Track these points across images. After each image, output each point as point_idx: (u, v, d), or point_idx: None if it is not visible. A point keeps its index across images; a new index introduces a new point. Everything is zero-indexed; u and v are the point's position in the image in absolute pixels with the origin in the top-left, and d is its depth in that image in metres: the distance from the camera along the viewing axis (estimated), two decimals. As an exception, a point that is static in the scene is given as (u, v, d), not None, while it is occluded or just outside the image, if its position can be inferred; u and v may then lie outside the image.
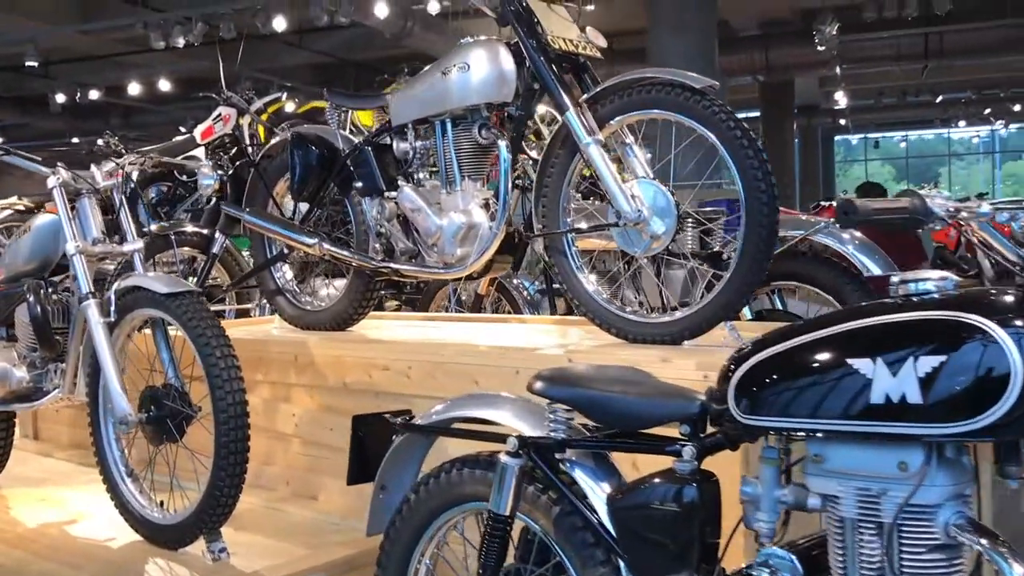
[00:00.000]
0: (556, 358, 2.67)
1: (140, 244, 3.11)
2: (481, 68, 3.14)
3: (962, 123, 25.65)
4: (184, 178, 6.20)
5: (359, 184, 3.53)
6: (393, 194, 3.49)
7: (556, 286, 4.71)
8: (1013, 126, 25.32)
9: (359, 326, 3.80)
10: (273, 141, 3.96)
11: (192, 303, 2.77)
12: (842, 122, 25.69)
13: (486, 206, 3.26)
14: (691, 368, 2.38)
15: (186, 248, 4.82)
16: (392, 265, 3.47)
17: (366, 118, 12.48)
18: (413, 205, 3.37)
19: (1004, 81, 18.88)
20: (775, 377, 1.61)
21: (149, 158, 3.40)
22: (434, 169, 3.55)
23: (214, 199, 4.87)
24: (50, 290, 3.27)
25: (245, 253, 5.47)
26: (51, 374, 3.27)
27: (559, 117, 3.01)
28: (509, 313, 4.65)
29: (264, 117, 9.81)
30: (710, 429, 1.80)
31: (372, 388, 3.10)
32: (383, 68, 15.36)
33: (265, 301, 5.64)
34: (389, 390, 3.05)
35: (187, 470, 2.93)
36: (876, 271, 3.61)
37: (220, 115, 9.69)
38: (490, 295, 4.72)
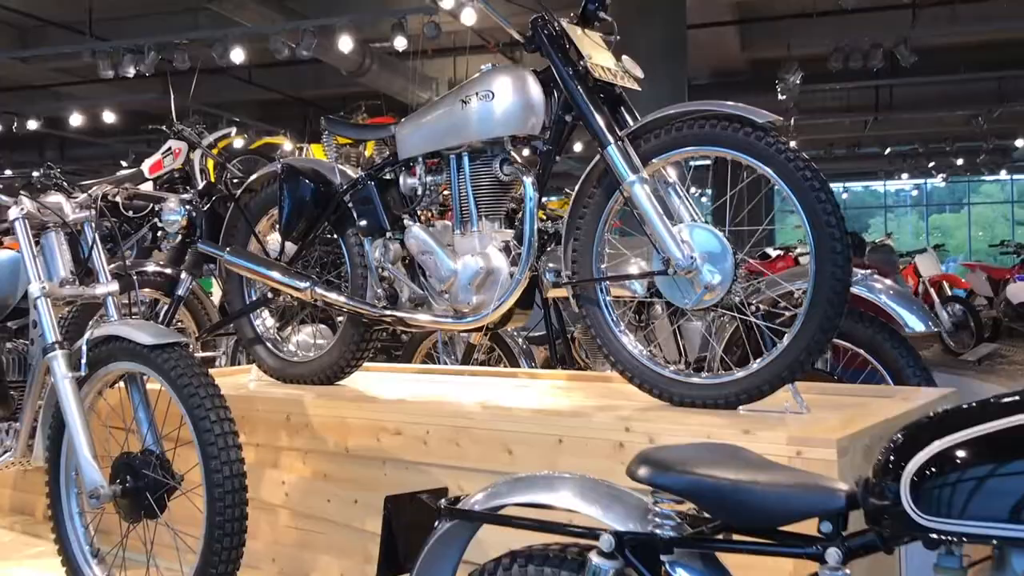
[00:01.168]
0: (609, 426, 2.33)
1: (115, 287, 2.71)
2: (506, 97, 2.83)
3: (904, 175, 26.12)
4: (130, 213, 5.74)
5: (362, 222, 3.17)
6: (397, 234, 3.14)
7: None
8: (941, 180, 25.81)
9: (349, 380, 3.42)
10: (257, 174, 3.58)
11: (181, 357, 2.38)
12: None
13: (506, 249, 2.93)
14: (781, 442, 2.06)
15: (146, 289, 4.39)
16: (396, 313, 3.11)
17: (319, 153, 12.07)
18: (423, 247, 3.02)
19: (948, 135, 19.24)
20: (974, 471, 1.30)
21: (124, 189, 3.00)
22: (444, 207, 3.22)
23: (179, 236, 4.44)
24: (3, 337, 2.84)
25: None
26: (1, 434, 2.82)
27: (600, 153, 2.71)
28: (505, 365, 4.30)
29: (215, 152, 9.39)
30: (852, 526, 1.48)
31: (380, 455, 2.72)
32: (335, 106, 15.05)
33: (228, 348, 5.22)
34: (401, 457, 2.68)
35: (166, 546, 2.51)
36: (918, 327, 3.36)
37: (170, 149, 9.22)
38: (482, 345, 4.37)
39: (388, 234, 3.16)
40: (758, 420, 2.33)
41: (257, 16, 10.33)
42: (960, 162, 21.57)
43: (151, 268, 4.40)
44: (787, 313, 2.93)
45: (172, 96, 10.09)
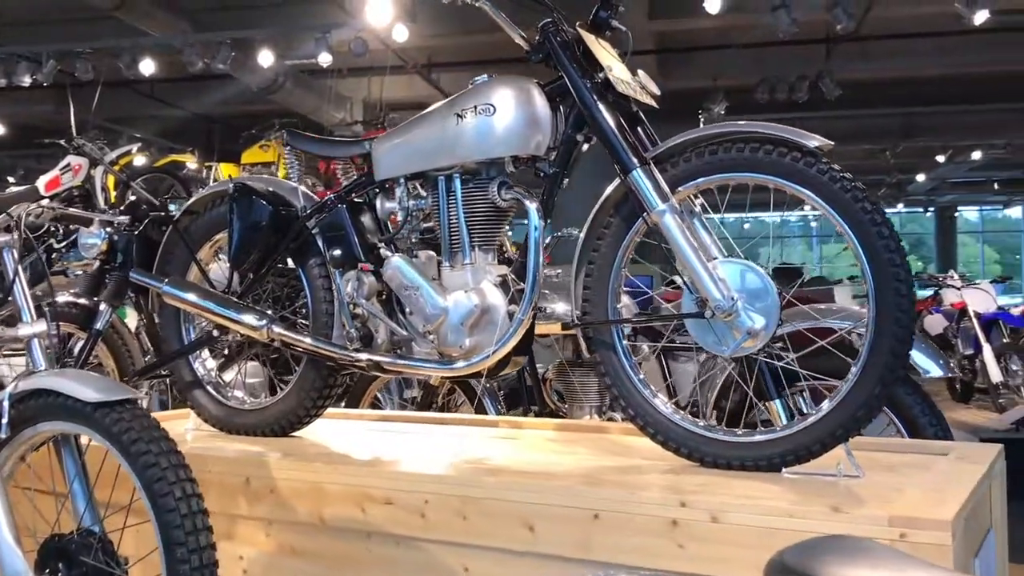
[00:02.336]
0: (659, 499, 1.97)
1: (43, 327, 2.24)
2: (508, 112, 2.47)
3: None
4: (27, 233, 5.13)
5: (334, 252, 2.76)
6: (368, 266, 2.74)
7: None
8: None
9: (305, 432, 2.99)
10: (200, 193, 3.13)
11: (135, 417, 1.93)
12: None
13: (503, 285, 2.56)
14: (881, 522, 1.74)
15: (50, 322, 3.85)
16: (372, 357, 2.70)
17: (227, 169, 11.47)
18: (407, 281, 2.63)
19: (850, 168, 19.61)
20: None
21: (49, 209, 2.52)
22: (426, 236, 2.84)
23: (97, 262, 3.91)
24: None
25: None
26: None
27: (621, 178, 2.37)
28: (474, 412, 3.90)
29: (116, 169, 8.76)
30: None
31: (365, 527, 2.30)
32: (242, 124, 14.43)
33: (153, 390, 4.69)
34: (390, 531, 2.26)
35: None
36: (935, 371, 3.12)
37: (69, 165, 8.52)
38: (443, 387, 3.97)
39: (361, 265, 2.76)
40: (825, 490, 2.01)
41: (165, 27, 9.71)
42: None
43: (64, 299, 3.87)
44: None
45: (72, 108, 9.41)
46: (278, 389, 3.18)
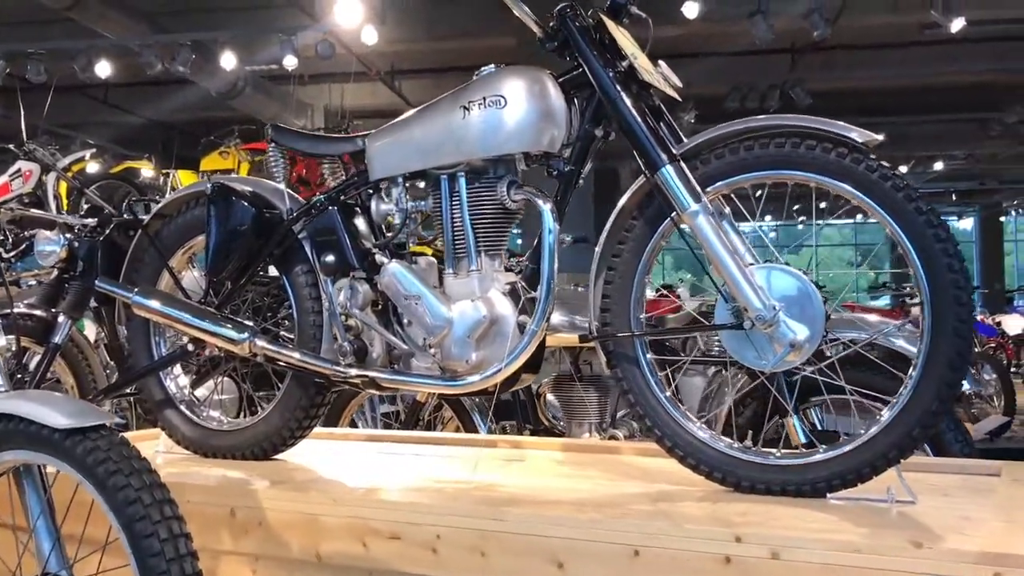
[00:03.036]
0: (710, 533, 1.75)
1: (1, 342, 1.97)
2: (520, 104, 2.25)
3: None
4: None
5: (326, 258, 2.52)
6: (367, 273, 2.51)
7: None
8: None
9: (288, 455, 2.74)
10: (173, 195, 2.87)
11: (112, 445, 1.68)
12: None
13: (513, 294, 2.34)
14: (967, 559, 1.54)
15: (10, 336, 3.55)
16: (367, 373, 2.46)
17: (187, 180, 11.11)
18: (406, 289, 2.39)
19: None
20: None
21: (7, 211, 2.25)
22: (423, 240, 2.62)
23: (56, 271, 3.61)
24: None
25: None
26: None
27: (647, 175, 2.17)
28: (459, 430, 3.66)
29: (69, 175, 8.40)
30: None
31: (367, 564, 2.06)
32: (199, 131, 14.05)
33: (115, 406, 4.40)
34: (399, 569, 2.02)
35: None
36: (964, 384, 2.95)
37: (19, 171, 8.14)
38: (428, 402, 3.73)
39: (354, 273, 2.52)
40: (888, 519, 1.82)
41: (122, 29, 9.35)
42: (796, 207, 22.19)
43: (18, 310, 3.56)
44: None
45: (23, 113, 9.01)
46: (259, 407, 2.93)
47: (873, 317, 4.10)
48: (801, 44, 11.86)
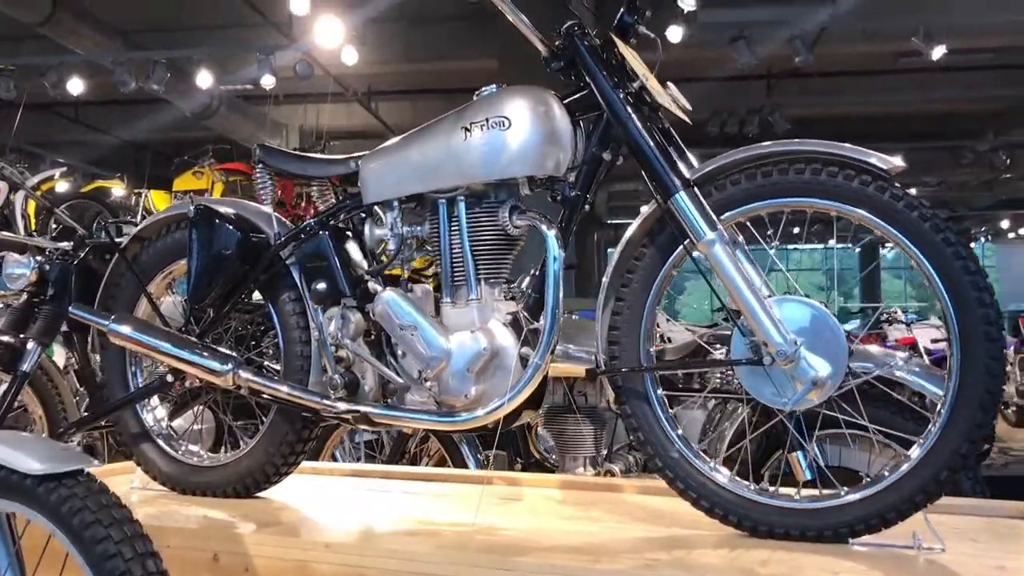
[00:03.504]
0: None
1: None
2: (525, 126, 2.14)
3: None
4: None
5: (317, 285, 2.39)
6: (359, 301, 2.38)
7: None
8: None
9: (271, 492, 2.59)
10: (152, 218, 2.73)
11: (89, 493, 1.53)
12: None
13: (515, 324, 2.22)
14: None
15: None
16: (359, 408, 2.33)
17: (160, 200, 10.90)
18: (401, 319, 2.27)
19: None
20: None
21: (-24, 232, 2.10)
22: (420, 268, 2.50)
23: (25, 296, 3.45)
24: None
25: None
26: None
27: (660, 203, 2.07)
28: (444, 461, 3.52)
29: (39, 194, 8.22)
30: None
31: (363, 615, 1.92)
32: (171, 151, 13.81)
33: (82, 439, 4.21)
34: (398, 621, 1.89)
35: None
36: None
37: (-13, 189, 7.93)
38: (415, 434, 3.59)
39: (346, 301, 2.40)
40: (917, 569, 1.71)
41: (96, 46, 9.18)
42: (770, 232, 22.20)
43: (-17, 336, 3.39)
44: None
45: (-8, 129, 8.76)
46: (240, 439, 2.79)
47: (874, 348, 4.01)
48: (777, 70, 11.91)
